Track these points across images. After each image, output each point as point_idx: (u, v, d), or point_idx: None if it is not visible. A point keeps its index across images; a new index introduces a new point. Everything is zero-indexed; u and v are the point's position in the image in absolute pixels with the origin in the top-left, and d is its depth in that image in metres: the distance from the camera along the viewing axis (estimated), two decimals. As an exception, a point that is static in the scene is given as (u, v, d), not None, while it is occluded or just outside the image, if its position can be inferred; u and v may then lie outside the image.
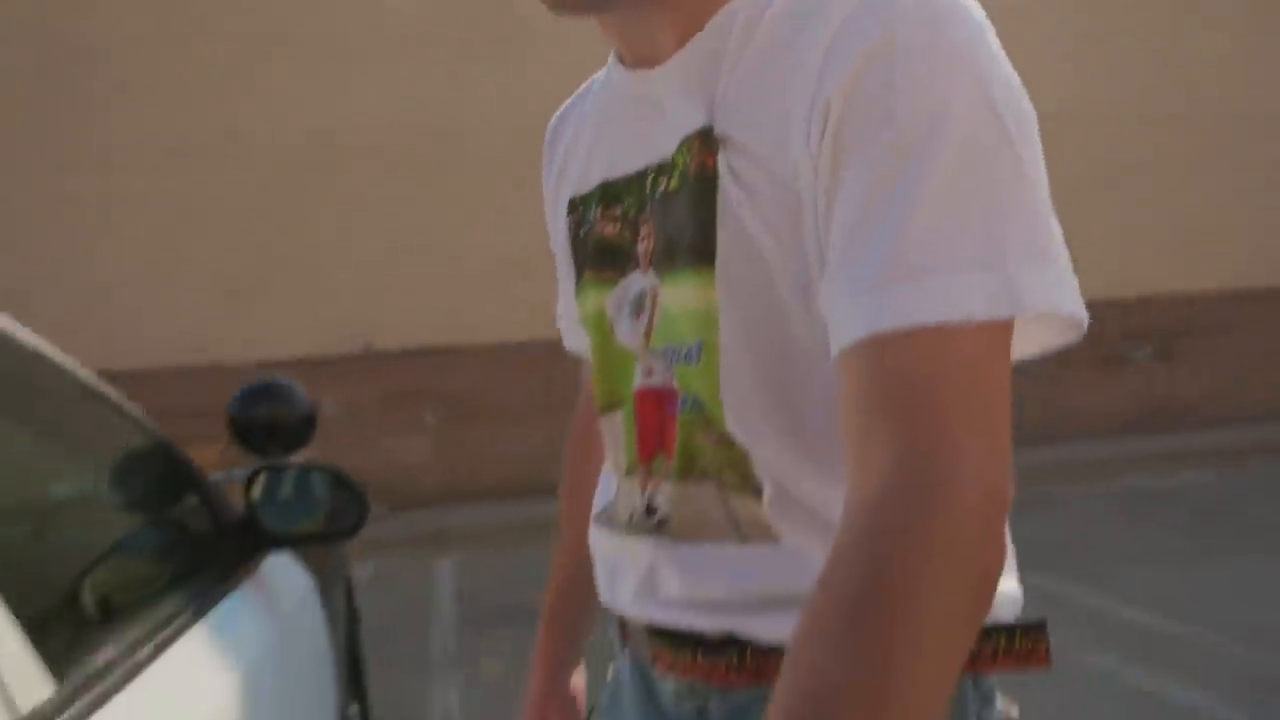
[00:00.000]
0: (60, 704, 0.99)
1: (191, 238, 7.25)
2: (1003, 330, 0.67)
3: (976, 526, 0.62)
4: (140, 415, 1.84)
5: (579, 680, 1.15)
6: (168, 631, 1.34)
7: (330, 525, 1.90)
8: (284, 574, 2.00)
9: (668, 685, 0.86)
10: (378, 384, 7.49)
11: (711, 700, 0.83)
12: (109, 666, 1.13)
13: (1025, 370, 0.88)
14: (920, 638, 0.59)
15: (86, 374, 1.73)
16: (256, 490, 1.86)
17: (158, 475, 1.87)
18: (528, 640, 4.61)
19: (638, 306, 0.87)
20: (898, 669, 0.59)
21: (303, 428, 2.04)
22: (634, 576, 0.86)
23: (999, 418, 0.66)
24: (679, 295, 0.82)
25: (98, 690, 1.06)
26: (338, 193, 7.36)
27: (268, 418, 2.04)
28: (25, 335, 1.57)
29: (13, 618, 0.99)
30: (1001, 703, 0.85)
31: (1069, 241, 0.73)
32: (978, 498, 0.62)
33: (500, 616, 4.93)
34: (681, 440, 0.83)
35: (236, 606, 1.64)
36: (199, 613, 1.48)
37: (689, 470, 0.83)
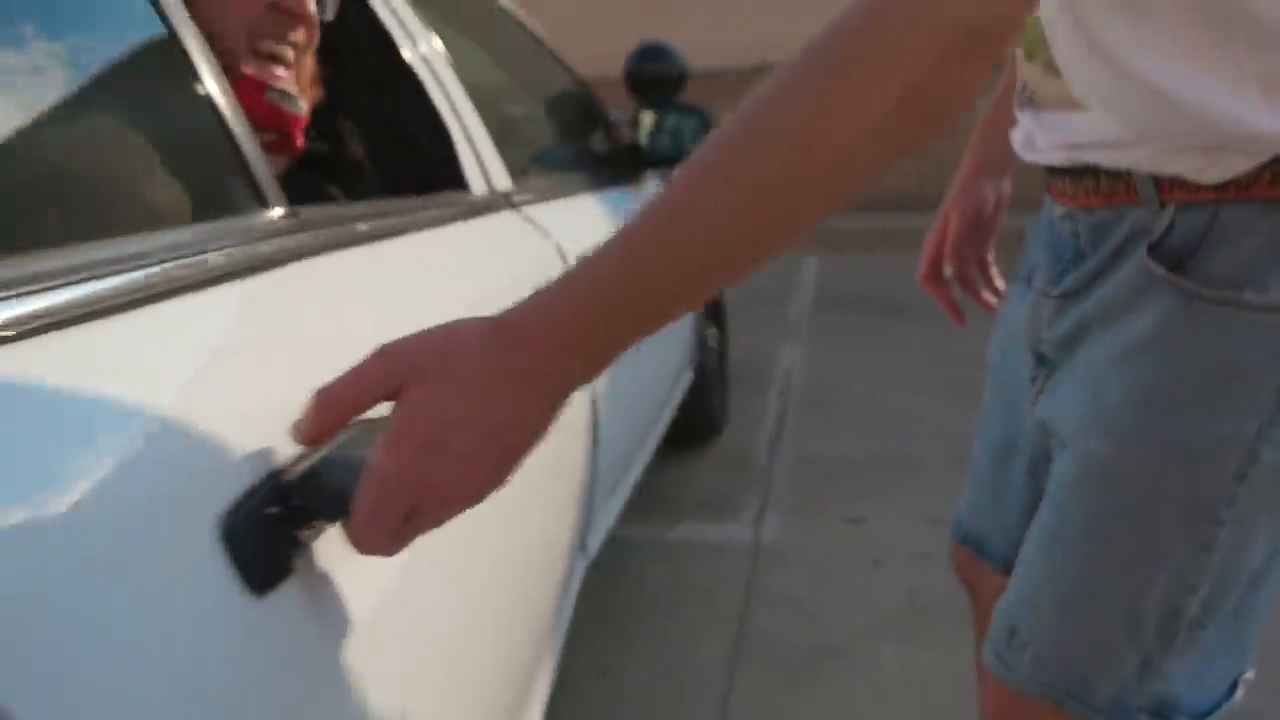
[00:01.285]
0: (515, 192, 1.71)
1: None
2: None
3: (935, 53, 0.61)
4: (570, 66, 2.54)
5: (990, 190, 1.28)
6: (574, 188, 2.07)
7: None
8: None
9: (1056, 211, 1.01)
10: (768, 97, 7.86)
11: (1080, 221, 0.96)
12: (540, 191, 1.85)
13: None
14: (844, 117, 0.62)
15: (542, 36, 2.44)
16: (642, 126, 2.55)
17: (579, 110, 2.60)
18: (865, 322, 5.41)
19: None
20: (806, 127, 0.61)
21: (679, 79, 2.69)
22: (1023, 134, 1.04)
23: None
24: None
25: (533, 195, 1.78)
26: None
27: (655, 71, 2.70)
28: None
29: (495, 146, 1.72)
30: None
31: None
32: (952, 22, 0.61)
33: (848, 304, 5.60)
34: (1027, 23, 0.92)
35: (621, 195, 2.36)
36: (595, 188, 2.21)
37: (1033, 51, 0.96)
